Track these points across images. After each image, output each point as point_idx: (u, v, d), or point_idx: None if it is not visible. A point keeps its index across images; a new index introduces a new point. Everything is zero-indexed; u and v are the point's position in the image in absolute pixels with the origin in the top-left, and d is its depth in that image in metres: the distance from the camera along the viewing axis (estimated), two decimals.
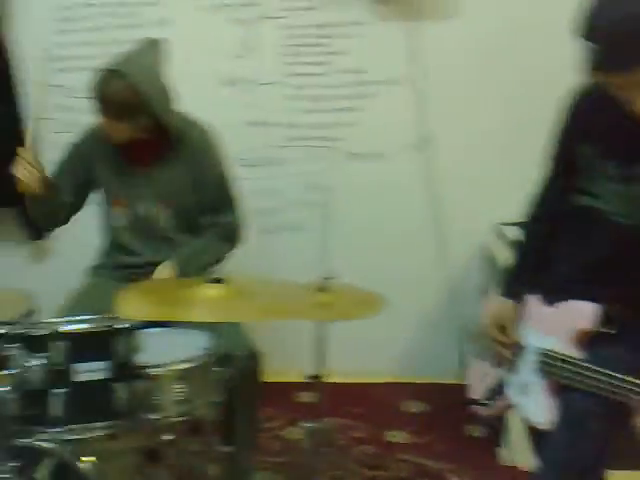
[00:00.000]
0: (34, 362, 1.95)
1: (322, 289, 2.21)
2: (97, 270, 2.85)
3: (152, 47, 2.66)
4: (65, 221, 2.86)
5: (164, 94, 2.62)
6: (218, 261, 2.77)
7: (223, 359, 2.18)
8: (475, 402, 2.31)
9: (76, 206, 2.84)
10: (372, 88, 3.47)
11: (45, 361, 1.96)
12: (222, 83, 3.45)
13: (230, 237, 2.79)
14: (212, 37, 3.42)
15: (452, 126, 3.46)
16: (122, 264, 2.78)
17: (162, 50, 2.68)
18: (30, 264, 3.58)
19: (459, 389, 2.78)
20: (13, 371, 1.92)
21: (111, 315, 2.06)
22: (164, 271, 2.61)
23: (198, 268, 2.64)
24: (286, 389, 3.42)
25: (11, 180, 3.20)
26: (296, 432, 3.14)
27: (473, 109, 3.45)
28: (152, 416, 2.15)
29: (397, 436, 3.19)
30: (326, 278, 2.22)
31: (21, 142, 3.33)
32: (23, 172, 2.59)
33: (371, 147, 3.52)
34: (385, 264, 3.52)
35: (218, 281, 2.06)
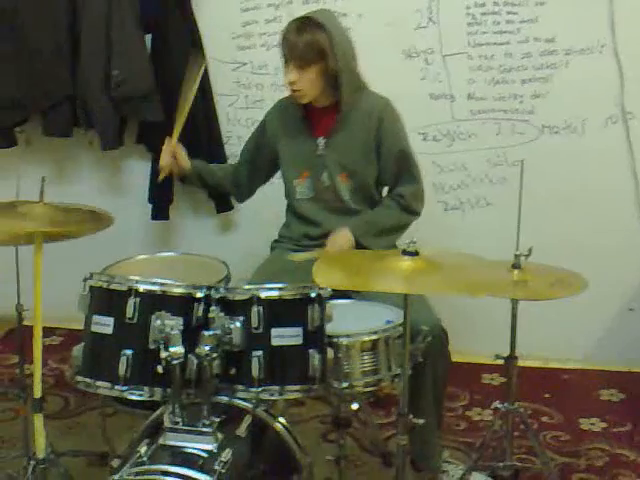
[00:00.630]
0: (234, 325, 2.01)
1: (516, 266, 2.13)
2: (280, 242, 2.91)
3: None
4: (249, 194, 3.02)
5: (351, 50, 2.66)
6: (396, 231, 2.75)
7: (410, 333, 2.14)
8: None
9: (262, 179, 2.98)
10: (564, 57, 3.31)
11: (244, 324, 2.02)
12: (404, 54, 3.39)
13: (409, 208, 2.76)
14: (394, 7, 3.37)
15: None
16: (305, 235, 2.82)
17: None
18: (218, 235, 3.69)
19: None
20: (215, 332, 1.98)
21: (305, 284, 2.09)
22: (340, 236, 2.62)
23: (375, 236, 2.65)
24: (472, 370, 3.38)
25: (199, 157, 3.34)
26: (484, 413, 3.09)
27: None
28: (341, 384, 2.18)
29: (593, 424, 3.05)
30: (520, 255, 2.14)
31: (211, 121, 3.50)
32: (164, 160, 2.86)
33: (564, 120, 3.36)
34: (582, 243, 3.36)
35: (412, 253, 2.02)
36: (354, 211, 2.75)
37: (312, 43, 2.56)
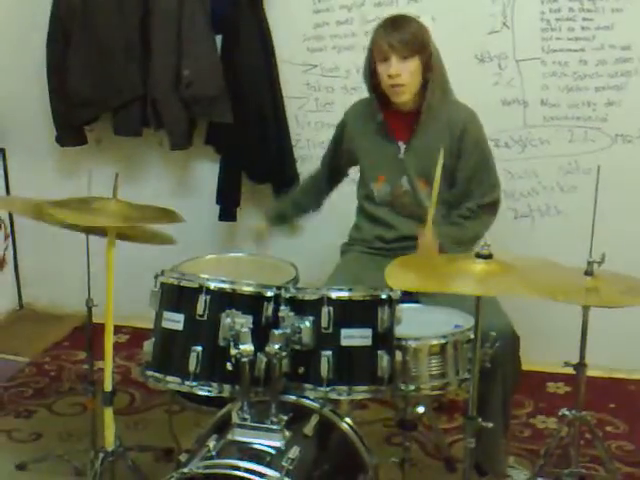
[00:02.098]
0: (304, 324, 2.02)
1: (588, 273, 2.10)
2: (351, 245, 2.90)
3: None
4: (325, 199, 3.06)
5: (439, 55, 2.67)
6: (475, 241, 2.70)
7: (480, 338, 2.12)
8: None
9: (335, 183, 3.01)
10: (639, 65, 3.24)
11: (314, 324, 2.03)
12: (477, 59, 3.36)
13: (488, 213, 2.74)
14: (467, 12, 3.34)
15: None
16: (378, 237, 2.81)
17: None
18: (285, 237, 3.69)
19: None
20: (285, 331, 1.99)
21: (376, 287, 2.10)
22: (427, 245, 2.58)
23: (457, 246, 2.63)
24: (537, 378, 3.34)
25: (268, 159, 3.37)
26: (549, 421, 3.06)
27: None
28: (408, 387, 2.17)
29: None
30: (593, 262, 2.11)
31: (281, 123, 3.51)
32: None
33: (637, 129, 3.29)
34: None
35: (486, 256, 2.00)
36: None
37: (416, 33, 2.58)
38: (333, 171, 2.98)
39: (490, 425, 2.08)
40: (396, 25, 2.60)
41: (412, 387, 2.17)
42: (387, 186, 2.75)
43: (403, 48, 2.56)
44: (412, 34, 2.58)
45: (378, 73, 2.62)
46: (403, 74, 2.57)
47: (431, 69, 2.61)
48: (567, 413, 2.39)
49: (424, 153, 2.68)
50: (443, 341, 2.21)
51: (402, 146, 2.71)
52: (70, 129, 3.73)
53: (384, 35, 2.60)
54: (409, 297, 2.32)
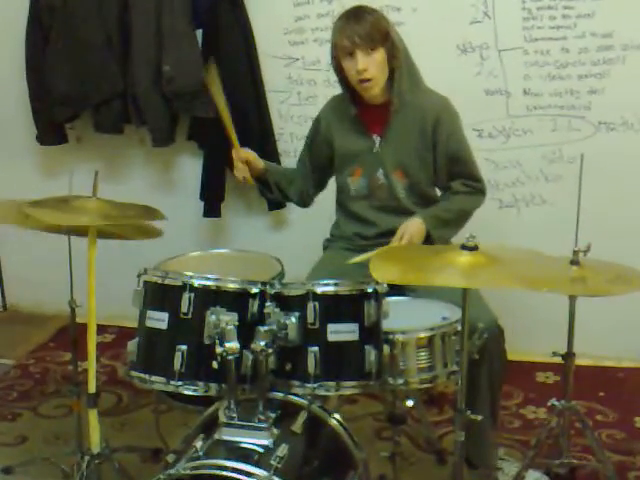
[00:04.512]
0: (289, 320, 2.00)
1: (574, 263, 2.08)
2: (332, 241, 2.88)
3: None
4: (311, 198, 2.95)
5: (403, 42, 2.63)
6: (464, 218, 2.71)
7: (466, 330, 2.10)
8: None
9: (321, 184, 2.93)
10: (621, 53, 3.23)
11: (300, 320, 2.01)
12: (459, 50, 3.34)
13: (472, 194, 2.72)
14: (448, 2, 3.31)
15: None
16: (357, 234, 2.78)
17: None
18: (271, 233, 3.69)
19: None
20: (270, 327, 1.98)
21: (361, 280, 2.08)
22: (411, 226, 2.57)
23: (444, 225, 2.62)
24: (526, 368, 3.34)
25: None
26: (539, 411, 3.06)
27: None
28: (397, 381, 2.16)
29: None
30: (579, 251, 2.09)
31: (263, 117, 3.47)
32: (239, 170, 2.79)
33: (620, 116, 3.28)
34: (639, 239, 3.28)
35: (472, 248, 1.98)
36: (408, 211, 2.69)
37: (377, 23, 2.54)
38: (312, 171, 2.88)
39: (479, 418, 2.07)
40: (356, 18, 2.55)
41: (401, 381, 2.17)
42: (363, 180, 2.72)
43: (367, 41, 2.52)
44: (373, 25, 2.53)
45: (345, 69, 2.59)
46: (370, 68, 2.54)
47: (395, 56, 2.57)
48: (556, 403, 2.39)
49: (399, 145, 2.67)
50: (431, 334, 2.20)
51: (377, 139, 2.68)
52: (50, 127, 3.69)
53: (346, 29, 2.54)
54: (396, 290, 2.30)
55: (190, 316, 2.05)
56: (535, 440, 2.46)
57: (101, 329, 3.58)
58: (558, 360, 2.38)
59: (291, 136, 3.51)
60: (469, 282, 1.96)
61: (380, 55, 2.54)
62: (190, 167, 3.70)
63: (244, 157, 2.79)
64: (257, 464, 1.83)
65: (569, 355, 2.36)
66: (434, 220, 2.61)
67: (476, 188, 2.73)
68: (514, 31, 3.29)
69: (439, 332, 2.21)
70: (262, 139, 3.49)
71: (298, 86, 3.51)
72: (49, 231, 2.51)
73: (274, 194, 2.90)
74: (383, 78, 2.58)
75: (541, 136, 3.36)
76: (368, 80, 2.56)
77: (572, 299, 2.34)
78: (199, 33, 3.45)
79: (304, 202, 2.95)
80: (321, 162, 2.85)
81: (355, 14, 2.57)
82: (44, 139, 3.72)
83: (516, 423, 3.01)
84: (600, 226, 3.07)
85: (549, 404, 2.41)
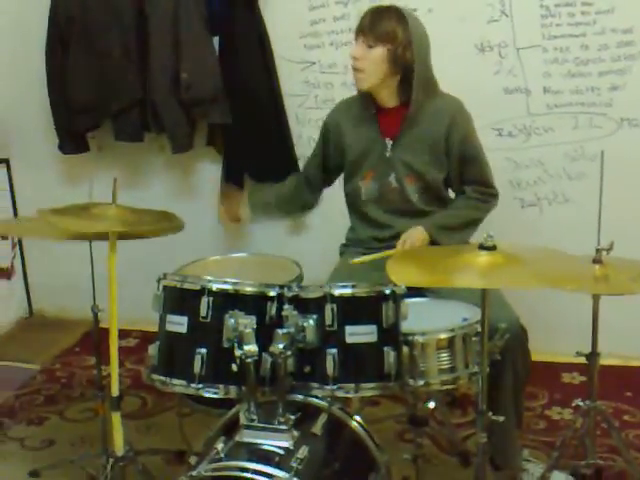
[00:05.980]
0: (307, 323, 2.00)
1: (597, 261, 2.06)
2: (348, 246, 2.87)
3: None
4: (316, 201, 2.98)
5: (427, 47, 2.61)
6: (470, 227, 2.69)
7: (488, 331, 2.09)
8: None
9: (328, 182, 2.93)
10: None
11: (318, 322, 2.01)
12: (477, 49, 3.32)
13: (481, 204, 2.70)
14: (465, 2, 3.30)
15: None
16: (373, 238, 2.76)
17: None
18: (289, 237, 3.69)
19: None
20: (289, 330, 1.98)
21: (379, 283, 2.07)
22: (413, 234, 2.57)
23: (449, 232, 2.61)
24: (551, 369, 3.31)
25: (270, 158, 3.35)
26: (564, 412, 3.03)
27: None
28: (417, 382, 2.15)
29: None
30: (602, 250, 2.07)
31: (281, 122, 3.48)
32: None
33: None
34: None
35: (490, 248, 1.97)
36: (422, 212, 2.69)
37: (389, 23, 2.54)
38: (324, 171, 2.87)
39: (501, 419, 2.05)
40: (377, 10, 2.59)
41: (421, 382, 2.15)
42: (375, 183, 2.71)
43: (370, 34, 2.54)
44: (384, 23, 2.54)
45: None
46: (363, 60, 2.55)
47: (412, 64, 2.55)
48: (581, 404, 2.36)
49: (412, 149, 2.65)
50: (451, 335, 2.18)
51: (389, 143, 2.67)
52: (72, 137, 3.72)
53: (363, 17, 2.59)
54: (416, 291, 2.29)
55: (209, 320, 2.05)
56: (560, 441, 2.43)
57: (124, 333, 3.65)
58: (584, 360, 2.35)
59: (309, 140, 3.50)
60: (487, 282, 1.95)
61: (378, 53, 2.54)
62: (209, 172, 3.71)
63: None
64: (278, 466, 1.84)
65: (593, 355, 2.33)
66: (437, 229, 2.60)
67: (488, 194, 2.71)
68: (532, 29, 3.27)
69: (460, 333, 2.19)
70: (280, 143, 3.50)
71: (315, 89, 3.52)
72: (70, 238, 2.53)
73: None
74: (377, 76, 2.57)
75: (562, 134, 3.33)
76: (358, 70, 2.58)
77: (595, 298, 2.31)
78: (215, 40, 3.47)
79: (309, 209, 3.02)
80: (331, 165, 2.84)
81: (377, 9, 2.60)
82: (66, 148, 3.75)
83: (541, 424, 2.98)
84: (623, 224, 3.03)
85: (574, 404, 2.38)
